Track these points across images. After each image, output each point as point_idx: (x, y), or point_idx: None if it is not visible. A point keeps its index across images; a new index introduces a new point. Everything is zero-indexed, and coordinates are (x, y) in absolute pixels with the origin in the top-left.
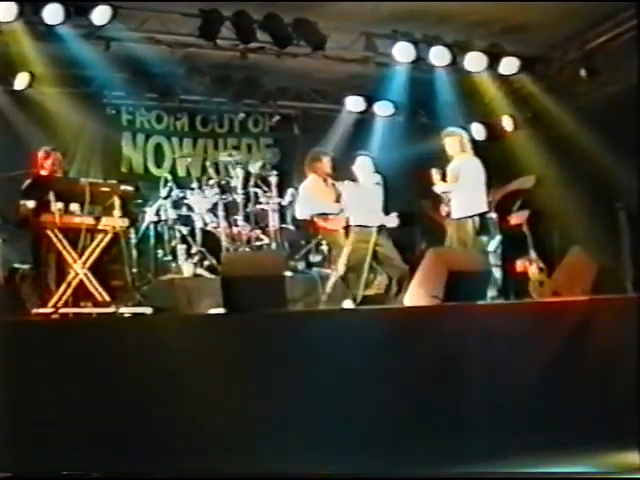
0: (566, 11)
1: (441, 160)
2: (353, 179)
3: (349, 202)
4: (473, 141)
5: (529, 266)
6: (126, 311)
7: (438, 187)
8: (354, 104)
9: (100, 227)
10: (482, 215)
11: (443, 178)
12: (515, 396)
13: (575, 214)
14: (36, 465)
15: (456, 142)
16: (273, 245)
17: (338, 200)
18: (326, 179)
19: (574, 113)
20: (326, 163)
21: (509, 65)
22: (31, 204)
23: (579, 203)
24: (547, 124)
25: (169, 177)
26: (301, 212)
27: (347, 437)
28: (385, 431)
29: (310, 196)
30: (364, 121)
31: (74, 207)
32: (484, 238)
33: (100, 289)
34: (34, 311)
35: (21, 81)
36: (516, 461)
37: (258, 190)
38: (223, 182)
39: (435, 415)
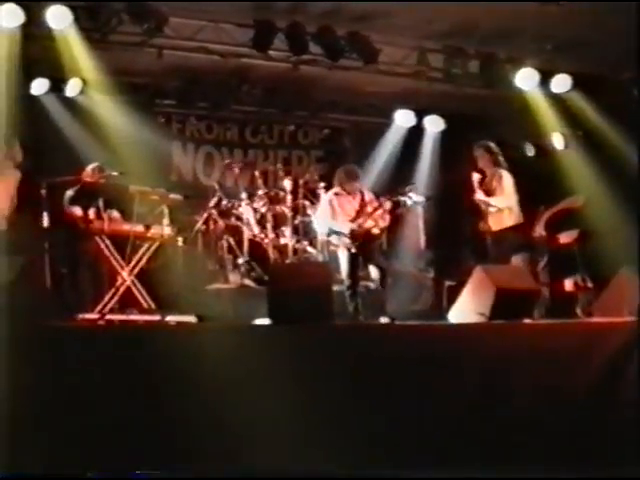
0: (621, 29)
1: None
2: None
3: None
4: (524, 157)
5: (577, 285)
6: (172, 319)
7: (479, 196)
8: (404, 118)
9: (148, 235)
10: (526, 231)
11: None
12: (560, 416)
13: (624, 235)
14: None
15: (487, 155)
16: (320, 257)
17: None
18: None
19: (626, 133)
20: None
21: (561, 83)
22: (78, 211)
23: (628, 224)
24: (598, 143)
25: (217, 187)
26: (317, 227)
27: (388, 449)
28: (426, 447)
29: (325, 215)
30: (414, 136)
31: (123, 214)
32: (531, 256)
33: (146, 297)
34: (80, 317)
35: (73, 87)
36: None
37: (306, 202)
38: (272, 193)
39: (478, 433)
